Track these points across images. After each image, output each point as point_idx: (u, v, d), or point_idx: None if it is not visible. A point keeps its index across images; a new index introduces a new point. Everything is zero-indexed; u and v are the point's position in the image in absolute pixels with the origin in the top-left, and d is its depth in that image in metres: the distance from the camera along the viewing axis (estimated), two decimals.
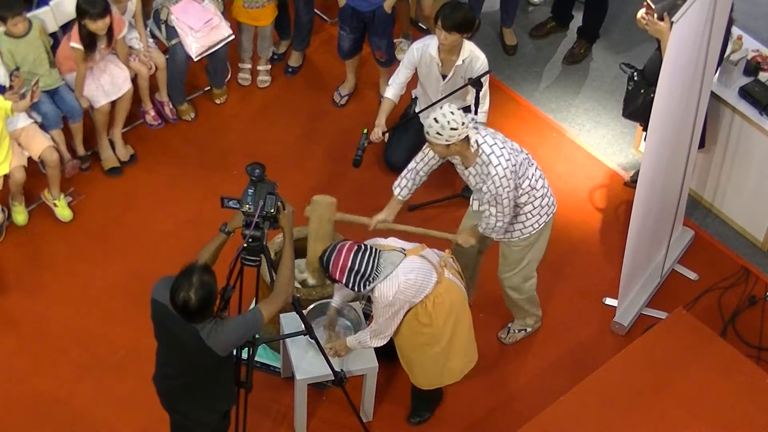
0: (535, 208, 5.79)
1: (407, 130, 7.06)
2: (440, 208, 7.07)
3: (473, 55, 6.56)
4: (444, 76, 6.63)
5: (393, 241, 5.58)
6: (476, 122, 5.68)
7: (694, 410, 5.77)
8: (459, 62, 6.56)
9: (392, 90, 6.67)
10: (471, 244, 5.95)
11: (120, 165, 7.16)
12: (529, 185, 5.70)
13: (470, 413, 6.21)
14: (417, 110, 6.89)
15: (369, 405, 6.09)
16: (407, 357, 5.78)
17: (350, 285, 5.41)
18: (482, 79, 6.43)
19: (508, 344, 6.50)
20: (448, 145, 5.47)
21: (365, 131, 6.53)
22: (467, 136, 5.49)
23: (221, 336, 4.79)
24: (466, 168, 5.65)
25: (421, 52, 6.60)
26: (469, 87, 6.48)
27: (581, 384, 5.92)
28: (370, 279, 5.39)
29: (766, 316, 6.65)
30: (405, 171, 5.93)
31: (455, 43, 6.46)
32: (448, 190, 7.12)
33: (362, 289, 5.43)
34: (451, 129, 5.41)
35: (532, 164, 5.74)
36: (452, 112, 5.42)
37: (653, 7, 5.95)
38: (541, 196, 5.79)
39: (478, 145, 5.52)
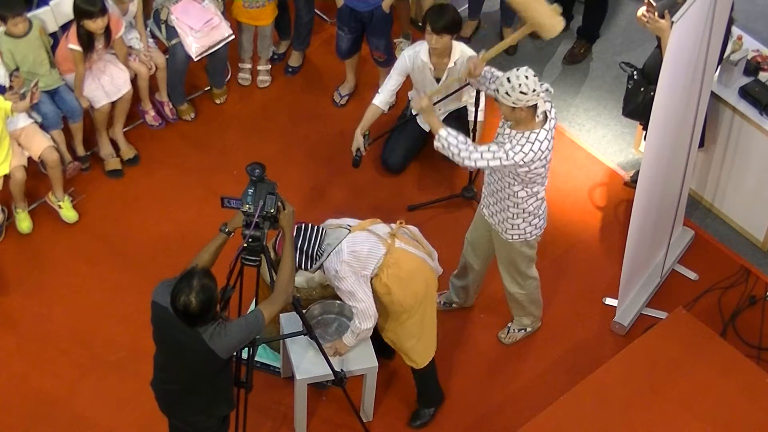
0: (524, 222, 5.79)
1: (404, 131, 7.06)
2: (440, 207, 7.07)
3: (464, 55, 6.56)
4: (438, 80, 6.64)
5: (344, 220, 5.67)
6: (550, 101, 5.60)
7: (694, 410, 5.77)
8: (451, 64, 6.57)
9: (381, 97, 6.63)
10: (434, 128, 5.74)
11: (121, 167, 7.15)
12: (529, 197, 5.69)
13: (470, 413, 6.21)
14: (412, 112, 6.89)
15: (369, 405, 6.09)
16: (392, 339, 5.82)
17: (297, 263, 5.49)
18: None
19: (508, 344, 6.50)
20: (514, 108, 5.42)
21: (367, 133, 6.53)
22: (536, 105, 5.44)
23: (224, 339, 4.78)
24: (510, 129, 5.58)
25: (412, 59, 6.60)
26: (467, 87, 6.49)
27: (581, 384, 5.92)
28: (316, 256, 5.50)
29: (766, 316, 6.65)
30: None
31: (446, 45, 6.48)
32: (447, 191, 7.12)
33: (309, 267, 5.53)
34: (521, 93, 5.36)
35: (543, 184, 5.73)
36: (527, 77, 5.37)
37: (654, 5, 5.95)
38: (533, 216, 5.79)
39: (546, 117, 5.49)
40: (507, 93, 5.39)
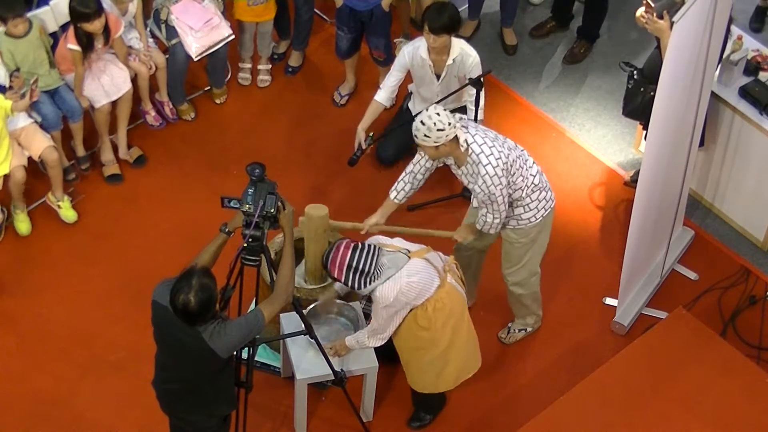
0: (532, 201, 5.79)
1: (398, 125, 7.04)
2: (440, 207, 7.07)
3: (464, 53, 6.58)
4: (438, 76, 6.65)
5: (398, 242, 5.58)
6: (465, 120, 5.67)
7: (694, 410, 5.77)
8: (450, 61, 6.58)
9: (383, 94, 6.66)
10: (468, 240, 5.96)
11: (120, 172, 7.13)
12: (524, 181, 5.70)
13: (470, 413, 6.21)
14: (410, 105, 6.92)
15: (369, 405, 6.09)
16: (405, 359, 5.78)
17: (349, 283, 5.40)
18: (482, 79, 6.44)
19: (508, 344, 6.50)
20: (437, 146, 5.47)
21: (371, 134, 6.54)
22: (456, 136, 5.49)
23: (223, 338, 4.79)
24: (459, 168, 5.66)
25: (411, 55, 6.61)
26: (467, 87, 6.49)
27: (581, 384, 5.92)
28: (371, 278, 5.38)
29: (766, 316, 6.65)
30: (402, 174, 5.92)
31: (445, 44, 6.48)
32: (447, 190, 7.12)
33: (362, 288, 5.41)
34: (438, 130, 5.41)
35: (527, 160, 5.74)
36: (438, 113, 5.43)
37: (652, 5, 5.95)
38: (539, 190, 5.79)
39: (468, 145, 5.52)
40: (426, 135, 5.43)
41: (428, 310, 5.52)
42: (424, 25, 6.41)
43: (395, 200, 5.94)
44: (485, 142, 5.54)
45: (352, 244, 5.39)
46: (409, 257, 5.46)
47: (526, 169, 5.71)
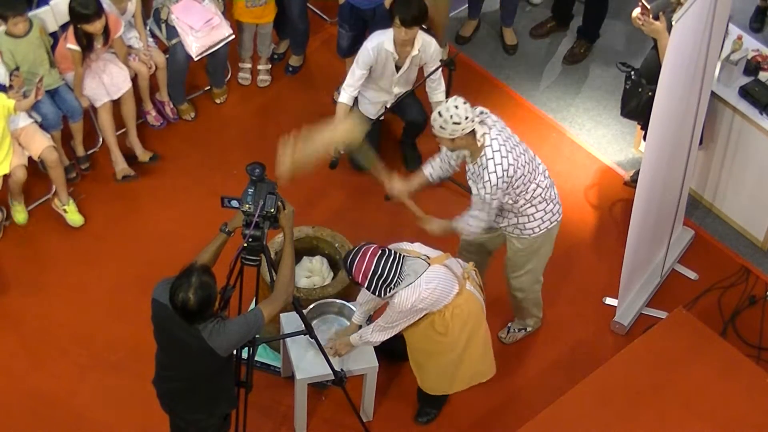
0: (537, 212, 5.76)
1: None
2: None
3: (425, 42, 6.62)
4: (398, 68, 6.66)
5: (418, 247, 5.56)
6: (492, 118, 5.57)
7: (694, 410, 5.77)
8: (415, 52, 6.61)
9: (348, 94, 6.63)
10: (434, 233, 5.88)
11: (134, 173, 7.09)
12: (527, 193, 5.67)
13: (471, 413, 6.21)
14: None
15: (369, 405, 6.09)
16: (418, 361, 5.77)
17: (371, 289, 5.37)
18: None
19: (508, 344, 6.50)
20: (453, 139, 5.44)
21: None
22: (473, 130, 5.45)
23: (223, 336, 4.79)
24: (469, 167, 5.64)
25: (377, 51, 6.57)
26: (422, 73, 6.52)
27: (581, 384, 5.92)
28: (392, 285, 5.35)
29: (766, 316, 6.65)
30: (439, 153, 5.86)
31: (414, 36, 6.48)
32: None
33: (383, 295, 5.39)
34: (454, 123, 5.38)
35: (539, 174, 5.70)
36: (456, 106, 5.39)
37: (648, 7, 5.95)
38: (545, 202, 5.77)
39: (483, 145, 5.48)
40: (441, 127, 5.41)
41: (446, 316, 5.51)
42: (395, 19, 6.39)
43: (427, 176, 5.90)
44: (500, 150, 5.48)
45: (379, 252, 5.35)
46: (429, 264, 5.44)
47: (534, 181, 5.67)
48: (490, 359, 5.87)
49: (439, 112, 5.41)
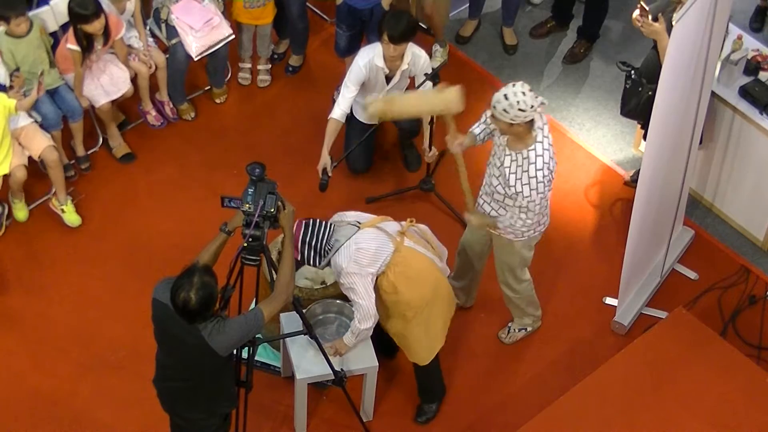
0: (528, 219, 5.77)
1: (356, 135, 6.97)
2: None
3: (415, 55, 6.60)
4: (388, 80, 6.66)
5: (353, 215, 5.65)
6: (544, 117, 5.56)
7: (694, 410, 5.77)
8: (404, 66, 6.61)
9: (340, 110, 6.59)
10: (474, 227, 5.93)
11: (131, 151, 7.17)
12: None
13: (470, 413, 6.21)
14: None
15: (369, 404, 6.09)
16: (396, 334, 5.80)
17: (305, 258, 5.51)
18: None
19: (508, 344, 6.50)
20: (512, 124, 5.39)
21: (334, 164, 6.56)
22: (533, 119, 5.43)
23: (223, 336, 4.79)
24: (508, 153, 5.56)
25: (368, 68, 6.56)
26: (414, 83, 6.52)
27: (581, 384, 5.92)
28: (324, 251, 5.49)
29: (766, 316, 6.65)
30: (483, 117, 5.81)
31: (404, 52, 6.48)
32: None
33: (318, 263, 5.53)
34: (519, 109, 5.33)
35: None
36: (524, 92, 5.34)
37: (647, 9, 5.95)
38: (542, 215, 5.77)
39: (535, 140, 5.46)
40: (505, 110, 5.35)
41: (389, 276, 5.56)
42: (383, 35, 6.38)
43: (477, 135, 5.86)
44: (548, 149, 5.50)
45: (304, 222, 5.49)
46: (360, 228, 5.52)
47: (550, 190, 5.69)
48: (451, 297, 5.86)
49: (505, 95, 5.34)
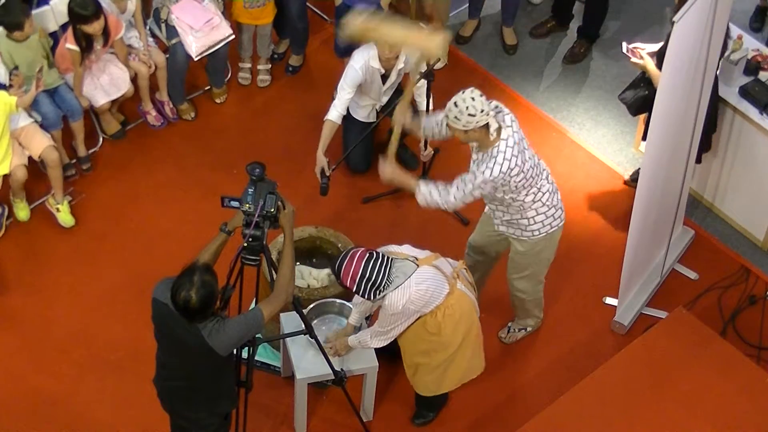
0: (538, 215, 5.74)
1: (354, 135, 6.97)
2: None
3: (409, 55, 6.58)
4: (384, 80, 6.67)
5: (407, 249, 5.54)
6: (510, 117, 5.52)
7: (694, 410, 5.77)
8: (400, 65, 6.62)
9: (336, 112, 6.57)
10: (385, 178, 5.81)
11: (121, 128, 7.20)
12: (533, 196, 5.66)
13: (470, 413, 6.21)
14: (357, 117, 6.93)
15: (369, 404, 6.09)
16: (410, 362, 5.76)
17: (360, 292, 5.37)
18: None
19: (508, 344, 6.50)
20: (466, 131, 5.40)
21: (332, 168, 6.55)
22: (487, 124, 5.41)
23: (222, 335, 4.79)
24: (477, 153, 5.58)
25: (364, 70, 6.56)
26: (409, 80, 6.52)
27: (581, 384, 5.92)
28: (381, 288, 5.35)
29: (766, 316, 6.65)
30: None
31: (398, 52, 6.48)
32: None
33: (372, 298, 5.39)
34: (469, 115, 5.34)
35: (545, 177, 5.70)
36: (473, 98, 5.35)
37: (632, 49, 6.07)
38: (546, 206, 5.75)
39: (495, 141, 5.43)
40: (456, 117, 5.37)
41: (437, 317, 5.50)
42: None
43: (432, 122, 5.84)
44: (509, 150, 5.43)
45: (366, 254, 5.35)
46: (418, 265, 5.43)
47: (536, 185, 5.63)
48: (481, 356, 5.87)
49: (455, 103, 5.37)
